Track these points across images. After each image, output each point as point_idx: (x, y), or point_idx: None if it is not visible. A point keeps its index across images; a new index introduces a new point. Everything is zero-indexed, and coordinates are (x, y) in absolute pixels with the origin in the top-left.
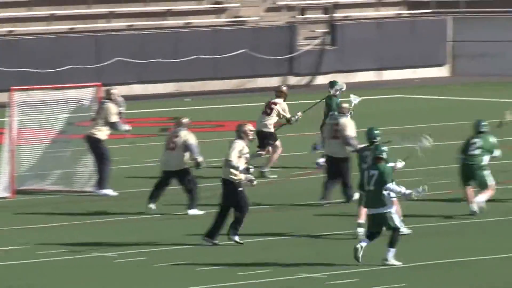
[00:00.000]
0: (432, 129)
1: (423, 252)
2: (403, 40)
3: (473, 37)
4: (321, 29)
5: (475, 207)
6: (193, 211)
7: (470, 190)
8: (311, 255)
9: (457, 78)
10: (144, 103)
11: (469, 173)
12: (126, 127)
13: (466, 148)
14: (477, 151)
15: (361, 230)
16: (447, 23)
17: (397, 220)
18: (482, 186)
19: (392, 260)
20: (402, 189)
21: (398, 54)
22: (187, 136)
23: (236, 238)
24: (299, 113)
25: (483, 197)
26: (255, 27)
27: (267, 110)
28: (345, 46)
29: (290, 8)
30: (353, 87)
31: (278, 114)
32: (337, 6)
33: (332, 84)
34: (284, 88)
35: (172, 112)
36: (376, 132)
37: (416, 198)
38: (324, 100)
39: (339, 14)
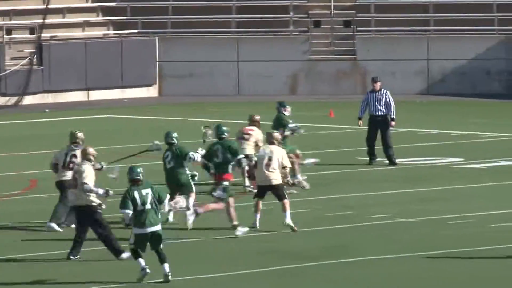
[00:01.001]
0: (141, 148)
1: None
2: (111, 60)
3: (179, 57)
4: (28, 49)
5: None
6: None
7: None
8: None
9: (164, 98)
10: None
11: (176, 181)
12: None
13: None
14: (173, 162)
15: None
16: (155, 43)
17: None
18: (189, 189)
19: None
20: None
21: (106, 74)
22: None
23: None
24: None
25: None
26: None
27: (244, 135)
28: (52, 66)
29: None
30: (61, 108)
31: (256, 141)
32: (44, 26)
33: (282, 104)
34: (257, 117)
35: None
36: (224, 128)
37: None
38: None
39: (46, 34)
